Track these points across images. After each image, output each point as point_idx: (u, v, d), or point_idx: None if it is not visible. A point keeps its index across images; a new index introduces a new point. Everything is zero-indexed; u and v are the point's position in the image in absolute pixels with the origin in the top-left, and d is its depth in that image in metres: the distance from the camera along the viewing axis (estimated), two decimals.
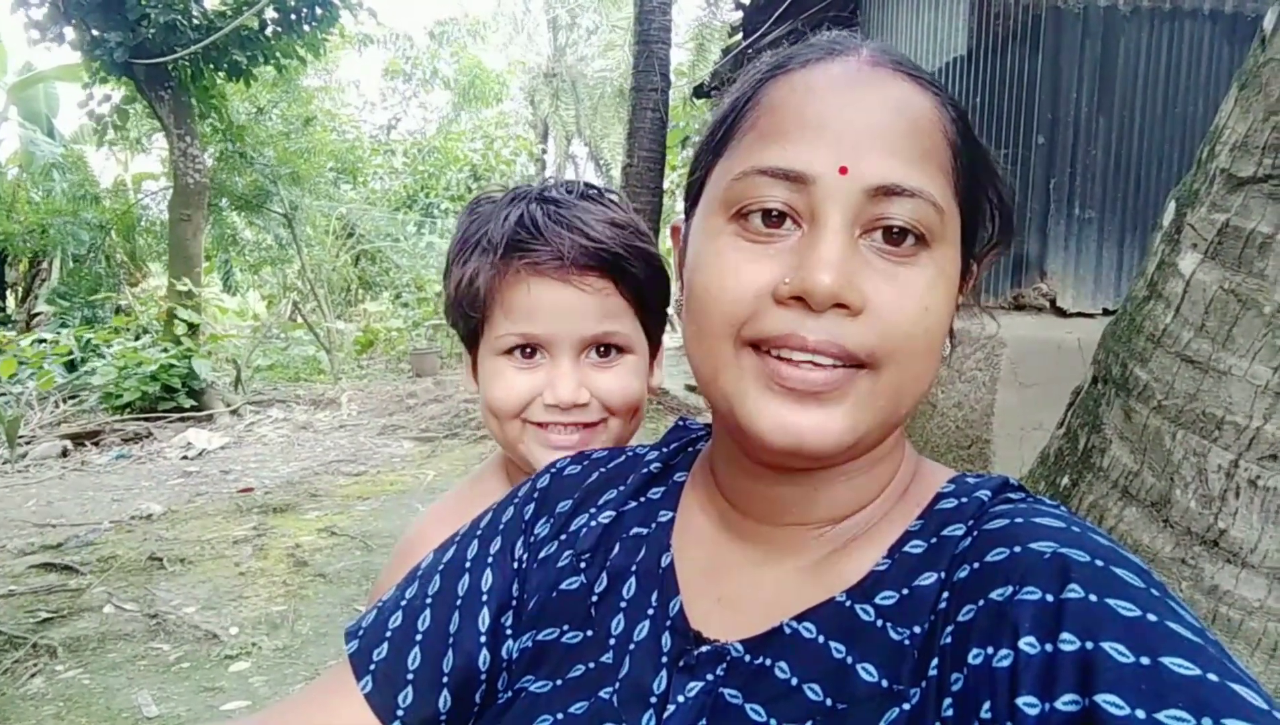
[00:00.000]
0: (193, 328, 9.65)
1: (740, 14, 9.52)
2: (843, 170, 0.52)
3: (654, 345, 0.96)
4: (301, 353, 13.16)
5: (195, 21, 9.22)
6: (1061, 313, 4.97)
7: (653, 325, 0.95)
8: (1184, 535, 1.38)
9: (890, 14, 6.91)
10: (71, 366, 9.83)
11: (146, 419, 8.29)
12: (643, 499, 0.71)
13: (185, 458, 7.18)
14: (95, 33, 9.07)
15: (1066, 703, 0.41)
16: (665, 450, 0.74)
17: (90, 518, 5.28)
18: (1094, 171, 4.91)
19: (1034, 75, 4.93)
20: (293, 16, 9.70)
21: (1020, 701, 0.43)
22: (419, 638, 0.67)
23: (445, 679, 0.65)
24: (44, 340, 10.42)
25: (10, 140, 13.43)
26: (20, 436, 7.38)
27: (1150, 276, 1.50)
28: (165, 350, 8.85)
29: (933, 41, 6.14)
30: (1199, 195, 1.42)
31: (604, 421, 0.90)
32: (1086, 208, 4.94)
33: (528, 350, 0.89)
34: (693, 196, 0.62)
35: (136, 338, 10.18)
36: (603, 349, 0.90)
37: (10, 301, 13.58)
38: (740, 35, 9.54)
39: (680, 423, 0.78)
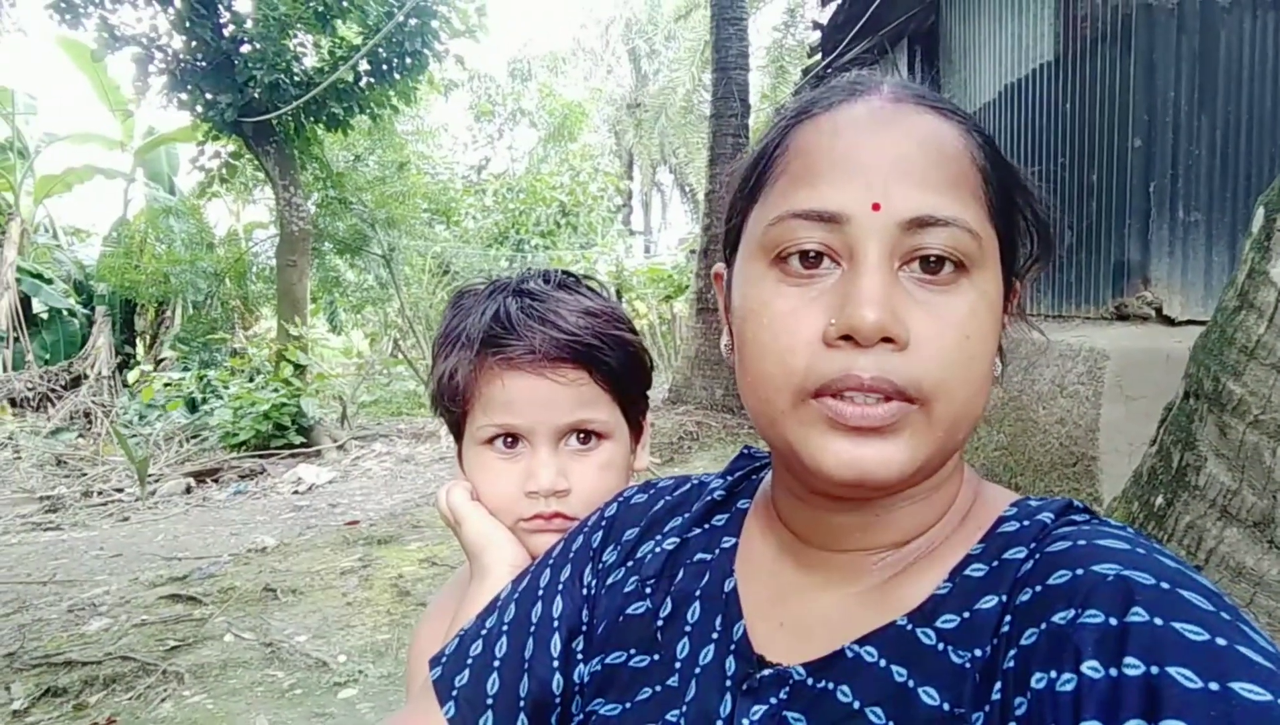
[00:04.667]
0: (300, 368, 10.15)
1: (818, 34, 9.48)
2: (875, 207, 0.53)
3: (636, 429, 0.96)
4: (403, 388, 13.62)
5: (296, 79, 9.80)
6: (1169, 321, 4.72)
7: (633, 410, 0.95)
8: None
9: (971, 25, 6.78)
10: (193, 407, 10.47)
11: (261, 456, 8.73)
12: (707, 526, 0.72)
13: (296, 492, 7.52)
14: (208, 96, 9.73)
15: None
16: (729, 478, 0.75)
17: (211, 551, 5.58)
18: (1198, 172, 4.68)
19: (1126, 77, 4.75)
20: (384, 67, 10.19)
21: None
22: (497, 664, 0.69)
23: (522, 703, 0.67)
24: (170, 382, 11.17)
25: (137, 199, 14.48)
26: (150, 475, 7.88)
27: (1240, 286, 1.43)
28: (276, 390, 9.33)
29: (1017, 49, 5.99)
30: None
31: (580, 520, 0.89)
32: (1192, 210, 4.70)
33: (508, 439, 0.90)
34: (731, 242, 0.64)
35: (250, 378, 10.77)
36: (582, 436, 0.90)
37: (140, 348, 14.55)
38: (819, 55, 9.49)
39: (746, 451, 0.79)
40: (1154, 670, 0.42)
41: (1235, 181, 4.67)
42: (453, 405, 0.92)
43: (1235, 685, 0.40)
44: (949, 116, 0.58)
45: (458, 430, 0.95)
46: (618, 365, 0.91)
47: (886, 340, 0.52)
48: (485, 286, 0.96)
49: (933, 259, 0.54)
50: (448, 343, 0.92)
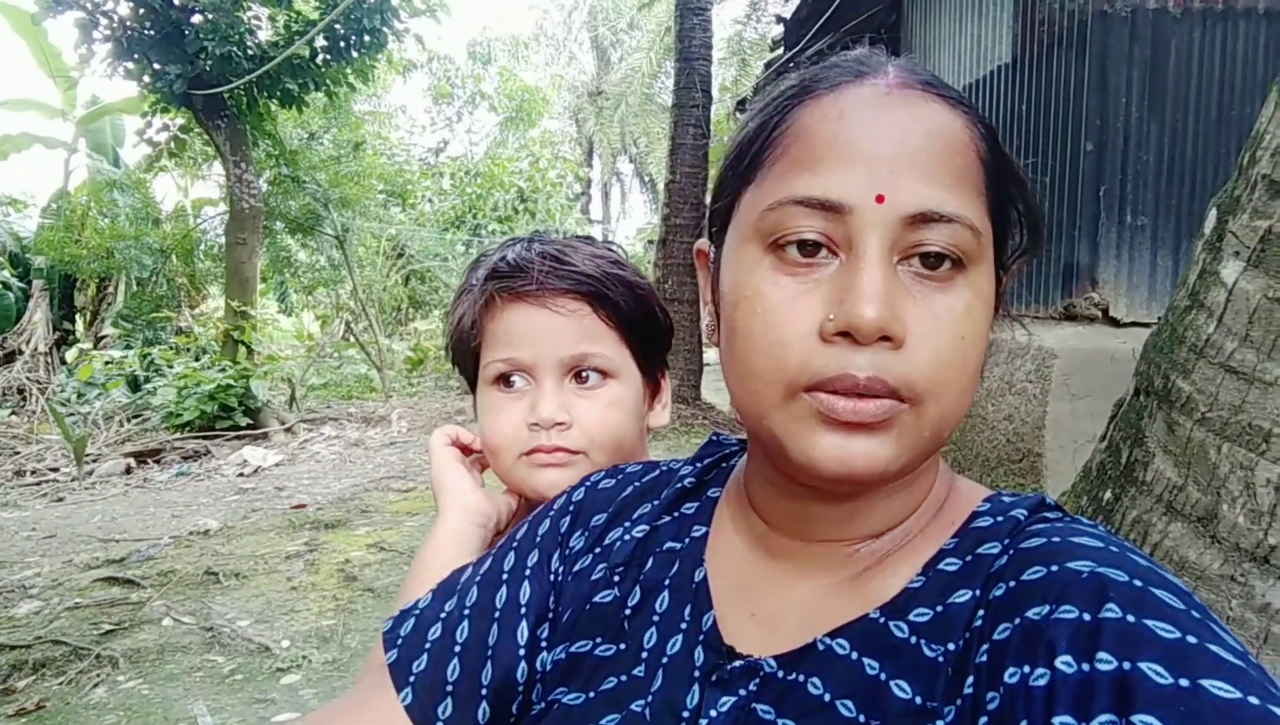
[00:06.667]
0: (248, 348, 9.93)
1: (781, 28, 9.52)
2: (879, 199, 0.52)
3: (653, 384, 0.96)
4: (354, 371, 13.43)
5: (250, 52, 9.53)
6: (1115, 322, 4.86)
7: (647, 360, 0.94)
8: (1233, 551, 1.34)
9: (933, 24, 6.86)
10: (135, 386, 10.17)
11: (205, 437, 8.52)
12: (676, 514, 0.71)
13: (241, 475, 7.37)
14: (156, 66, 9.43)
15: (1103, 723, 0.41)
16: (699, 465, 0.74)
17: (151, 533, 5.43)
18: (1146, 177, 4.81)
19: (1081, 81, 4.85)
20: (342, 44, 9.98)
21: (1056, 721, 0.42)
22: (457, 649, 0.67)
23: (484, 690, 0.66)
24: (111, 360, 10.85)
25: (79, 171, 13.97)
26: (87, 455, 7.63)
27: (1191, 286, 1.46)
28: (223, 370, 9.11)
29: (976, 50, 6.08)
30: (1240, 202, 1.38)
31: (585, 454, 0.89)
32: (1139, 215, 4.83)
33: (514, 378, 0.90)
34: (720, 221, 0.62)
35: (196, 358, 10.50)
36: (588, 374, 0.90)
37: (79, 325, 14.10)
38: (782, 49, 9.53)
39: (714, 438, 0.78)
40: (1126, 665, 0.42)
41: (1181, 188, 4.81)
42: (463, 347, 0.93)
43: (1205, 682, 0.40)
44: (955, 106, 0.56)
45: (473, 381, 0.95)
46: (624, 305, 0.90)
47: (884, 338, 0.51)
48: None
49: (933, 255, 0.53)
50: (461, 295, 0.94)
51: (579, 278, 0.88)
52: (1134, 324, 4.81)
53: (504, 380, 0.91)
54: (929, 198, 0.52)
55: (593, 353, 0.89)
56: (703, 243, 0.67)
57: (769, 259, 0.55)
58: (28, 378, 10.93)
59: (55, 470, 7.55)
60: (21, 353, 11.71)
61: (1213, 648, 0.42)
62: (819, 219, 0.53)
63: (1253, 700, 0.40)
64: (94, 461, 7.67)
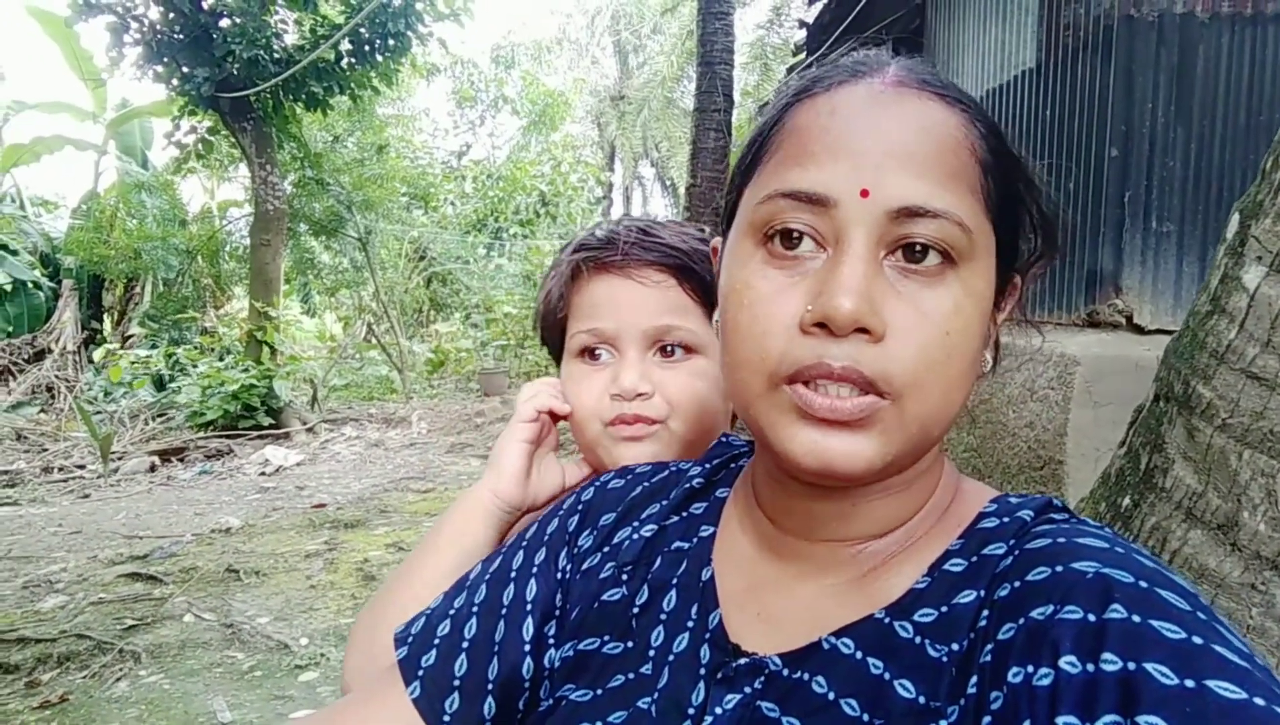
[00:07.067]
0: (271, 348, 10.03)
1: (803, 32, 9.51)
2: (864, 193, 0.52)
3: None
4: (375, 372, 13.52)
5: (276, 55, 9.64)
6: (1139, 330, 4.79)
7: None
8: (1253, 559, 1.32)
9: (956, 29, 6.82)
10: (160, 385, 10.30)
11: (228, 436, 8.62)
12: (685, 513, 0.71)
13: (263, 474, 7.44)
14: (185, 69, 9.56)
15: (1108, 723, 0.41)
16: (708, 466, 0.75)
17: (174, 530, 5.50)
18: (1172, 183, 4.74)
19: (1106, 86, 4.80)
20: (366, 48, 10.06)
21: (1061, 721, 0.42)
22: (465, 645, 0.68)
23: (490, 686, 0.67)
24: (137, 359, 11.00)
25: (109, 172, 14.18)
26: (113, 452, 7.75)
27: (1213, 290, 1.44)
28: (246, 370, 9.21)
29: (1000, 55, 6.03)
30: (1263, 206, 1.37)
31: (665, 423, 0.89)
32: (1165, 221, 4.77)
33: (598, 351, 0.91)
34: (727, 218, 0.63)
35: (220, 358, 10.62)
36: (672, 348, 0.90)
37: (107, 324, 14.30)
38: (804, 54, 9.51)
39: (724, 439, 0.79)
40: (1131, 666, 0.42)
41: (1207, 194, 4.74)
42: (550, 319, 0.94)
43: (1210, 683, 0.40)
44: (953, 105, 0.56)
45: (558, 355, 0.96)
46: (710, 280, 0.90)
47: (862, 331, 0.51)
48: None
49: (918, 247, 0.53)
50: (550, 273, 0.95)
51: (665, 250, 0.89)
52: (1158, 331, 4.74)
53: (589, 353, 0.91)
54: (916, 192, 0.52)
55: (677, 326, 0.89)
56: (717, 240, 0.68)
57: (761, 252, 0.56)
58: (56, 376, 11.11)
59: (82, 467, 7.67)
60: (50, 351, 11.90)
61: (1218, 649, 0.42)
62: (806, 212, 0.54)
63: (1258, 701, 0.40)
64: (119, 459, 7.78)
